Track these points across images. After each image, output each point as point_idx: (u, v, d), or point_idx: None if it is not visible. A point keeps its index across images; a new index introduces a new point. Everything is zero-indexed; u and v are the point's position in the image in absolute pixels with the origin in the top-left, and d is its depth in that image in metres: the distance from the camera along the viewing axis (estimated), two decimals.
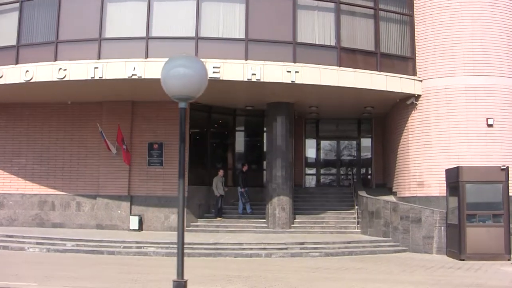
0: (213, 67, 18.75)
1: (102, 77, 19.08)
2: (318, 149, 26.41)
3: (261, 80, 19.02)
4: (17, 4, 20.70)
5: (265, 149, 24.30)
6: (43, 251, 18.62)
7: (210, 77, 17.85)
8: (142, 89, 21.01)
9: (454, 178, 18.23)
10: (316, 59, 19.73)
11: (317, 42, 20.04)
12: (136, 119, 22.98)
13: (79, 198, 23.07)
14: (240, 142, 26.25)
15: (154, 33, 19.42)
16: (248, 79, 18.95)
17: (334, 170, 26.97)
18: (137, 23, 19.67)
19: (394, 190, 22.52)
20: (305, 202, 23.36)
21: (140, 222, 22.40)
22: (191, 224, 22.54)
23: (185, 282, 7.03)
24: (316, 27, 20.11)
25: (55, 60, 19.69)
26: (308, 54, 19.76)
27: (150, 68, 18.88)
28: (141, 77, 18.90)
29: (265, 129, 23.82)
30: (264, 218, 22.73)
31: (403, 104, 21.35)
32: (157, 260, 17.34)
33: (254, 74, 18.94)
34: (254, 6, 19.51)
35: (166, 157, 22.65)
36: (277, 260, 17.61)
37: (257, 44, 19.40)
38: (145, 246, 18.57)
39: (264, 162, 24.40)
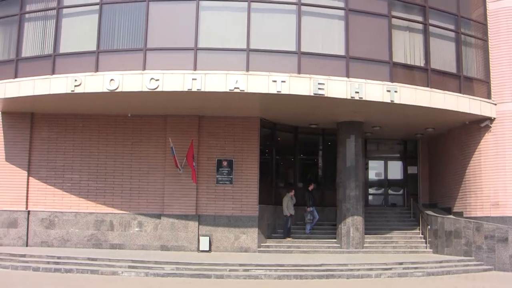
0: (319, 84, 18.38)
1: (200, 89, 18.11)
2: (366, 168, 26.43)
3: (364, 99, 18.82)
4: (97, 7, 19.22)
5: (334, 168, 23.93)
6: (140, 275, 17.21)
7: (315, 94, 18.29)
8: (209, 103, 20.37)
9: None
10: (409, 79, 19.83)
11: (408, 63, 20.15)
12: (203, 134, 21.99)
13: (140, 217, 21.69)
14: (302, 160, 25.85)
15: (253, 46, 18.66)
16: (351, 97, 18.65)
17: (381, 190, 27.06)
18: (235, 33, 18.85)
19: (456, 210, 22.84)
20: (367, 222, 23.18)
21: (209, 242, 21.40)
22: (262, 244, 21.88)
23: None
24: (408, 47, 20.18)
25: (144, 69, 18.52)
26: (403, 74, 19.82)
27: (252, 81, 18.20)
28: (243, 90, 18.14)
29: (337, 148, 23.24)
30: (332, 238, 22.53)
31: (474, 126, 21.82)
32: (277, 284, 16.59)
33: (357, 92, 18.71)
34: (353, 23, 19.30)
35: (236, 175, 21.83)
36: (392, 281, 17.37)
37: (357, 62, 19.15)
38: (252, 269, 17.59)
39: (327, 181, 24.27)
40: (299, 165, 25.74)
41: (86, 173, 21.93)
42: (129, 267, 17.77)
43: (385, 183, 27.21)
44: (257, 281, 16.98)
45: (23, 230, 21.58)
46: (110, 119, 22.11)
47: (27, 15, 20.15)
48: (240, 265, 17.95)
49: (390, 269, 18.52)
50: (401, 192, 27.04)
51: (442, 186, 24.60)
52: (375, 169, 27.41)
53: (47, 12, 19.89)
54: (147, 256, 19.28)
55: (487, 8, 22.05)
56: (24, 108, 21.54)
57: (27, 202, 21.75)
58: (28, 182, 21.83)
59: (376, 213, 24.65)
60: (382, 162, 27.20)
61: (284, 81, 18.23)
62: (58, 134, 22.09)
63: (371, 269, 18.28)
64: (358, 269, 18.17)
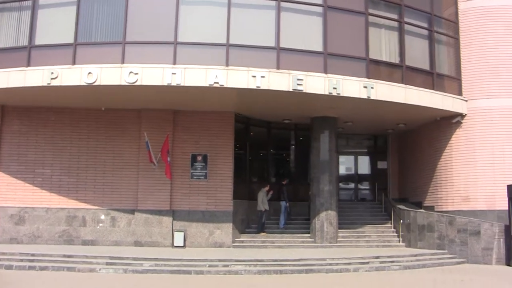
0: (297, 79, 18.47)
1: (180, 84, 17.96)
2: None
3: (341, 95, 18.97)
4: None
5: (306, 164, 24.24)
6: (118, 272, 16.89)
7: (294, 89, 18.37)
8: (184, 98, 20.23)
9: None
10: (385, 76, 20.12)
11: (384, 59, 20.41)
12: (178, 129, 21.79)
13: (114, 212, 21.34)
14: (275, 155, 25.90)
15: (233, 41, 18.59)
16: (329, 92, 18.80)
17: (352, 185, 27.34)
18: (215, 28, 18.72)
19: (427, 205, 23.28)
20: (339, 216, 23.37)
21: (184, 238, 21.25)
22: (236, 239, 21.86)
23: None
24: (384, 44, 20.48)
25: (123, 62, 18.22)
26: (378, 71, 20.09)
27: (232, 77, 18.14)
28: (223, 85, 18.06)
29: (311, 143, 23.36)
30: (306, 233, 22.68)
31: (445, 122, 22.28)
32: (258, 279, 16.56)
33: (335, 88, 18.84)
34: (331, 20, 19.42)
35: (210, 170, 21.73)
36: (370, 275, 17.61)
37: (335, 58, 19.31)
38: (231, 265, 17.50)
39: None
40: (272, 160, 25.86)
41: (58, 167, 21.44)
42: (107, 263, 17.45)
43: (355, 178, 27.54)
44: (237, 277, 16.90)
45: None
46: (83, 113, 21.66)
47: (0, 5, 19.59)
48: (219, 260, 17.87)
49: (368, 263, 18.74)
50: (371, 187, 27.41)
51: (412, 181, 25.05)
52: (345, 164, 27.73)
53: (22, 2, 19.39)
54: (124, 252, 18.96)
55: (458, 7, 22.58)
56: None
57: None
58: None
59: (347, 207, 24.91)
60: (352, 157, 27.53)
61: (263, 77, 18.25)
62: (30, 128, 21.51)
63: (349, 264, 18.46)
64: (337, 264, 18.30)
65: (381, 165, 27.09)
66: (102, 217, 21.39)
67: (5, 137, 21.44)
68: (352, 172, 27.50)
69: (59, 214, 21.24)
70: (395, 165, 26.86)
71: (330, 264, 18.19)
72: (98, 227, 21.31)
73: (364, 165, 27.85)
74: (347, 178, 27.60)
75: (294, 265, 17.94)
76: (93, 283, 15.43)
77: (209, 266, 17.52)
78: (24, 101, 21.03)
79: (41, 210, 21.21)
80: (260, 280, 16.51)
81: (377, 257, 19.28)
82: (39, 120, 21.61)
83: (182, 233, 21.19)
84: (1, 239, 21.02)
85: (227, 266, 17.53)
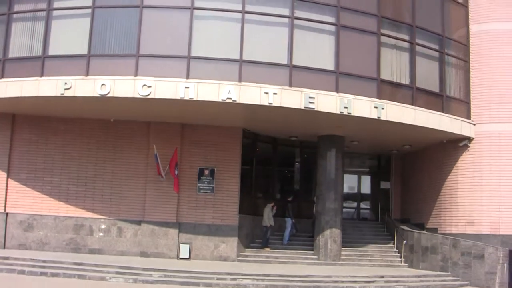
0: (309, 97, 18.62)
1: (193, 98, 18.09)
2: None
3: (352, 114, 19.10)
4: (89, 11, 18.99)
5: (310, 181, 24.46)
6: (128, 281, 17.13)
7: (305, 107, 18.51)
8: (195, 112, 20.32)
9: None
10: (395, 97, 20.25)
11: (395, 80, 20.57)
12: (185, 142, 21.94)
13: (120, 223, 21.47)
14: (280, 172, 26.06)
15: (246, 57, 18.70)
16: (340, 111, 18.93)
17: (355, 204, 27.44)
18: (228, 44, 18.85)
19: (430, 226, 23.34)
20: (343, 234, 23.45)
21: (189, 250, 21.33)
22: (241, 253, 21.99)
23: None
24: (395, 65, 20.62)
25: (136, 75, 18.38)
26: (389, 91, 20.23)
27: (244, 92, 18.28)
28: (235, 101, 18.18)
29: (316, 160, 23.51)
30: (309, 249, 22.80)
31: (452, 145, 22.39)
32: None
33: (346, 108, 18.99)
34: (344, 39, 19.59)
35: (217, 184, 21.85)
36: None
37: (346, 78, 19.45)
38: (239, 278, 17.63)
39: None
40: (277, 177, 26.01)
41: (67, 176, 21.59)
42: (117, 272, 17.63)
43: (358, 197, 27.65)
44: None
45: (1, 232, 21.12)
46: (93, 123, 21.82)
47: (15, 15, 19.78)
48: (227, 273, 18.00)
49: (373, 281, 18.87)
50: (373, 206, 27.50)
51: (415, 202, 25.12)
52: (348, 183, 27.69)
53: (36, 13, 19.60)
54: (132, 262, 19.13)
55: (469, 30, 22.66)
56: (6, 109, 21.05)
57: (5, 204, 21.33)
58: (7, 184, 21.39)
59: (350, 226, 24.97)
60: (355, 177, 27.61)
61: (275, 93, 18.38)
62: (39, 136, 21.69)
63: (354, 281, 18.61)
64: (342, 281, 18.42)
65: (384, 185, 27.18)
66: (103, 226, 21.52)
67: (15, 145, 21.63)
68: (355, 191, 27.60)
69: (66, 222, 21.38)
70: (398, 185, 26.93)
71: (336, 282, 18.31)
72: (97, 236, 21.42)
73: (366, 185, 27.97)
74: (349, 197, 27.66)
75: (301, 281, 18.10)
76: None
77: (218, 279, 17.63)
78: (35, 110, 21.19)
79: (50, 217, 21.37)
80: None
81: (382, 277, 19.38)
82: (49, 129, 21.78)
83: (188, 246, 21.33)
84: (10, 244, 21.22)
85: (235, 279, 17.65)
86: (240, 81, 18.44)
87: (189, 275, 17.67)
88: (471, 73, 22.44)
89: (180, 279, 17.32)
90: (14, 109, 21.19)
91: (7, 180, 21.41)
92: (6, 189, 21.37)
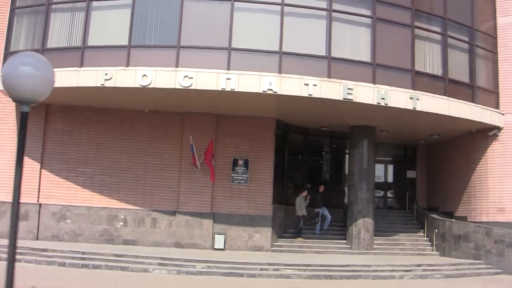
0: (348, 89, 18.76)
1: (234, 89, 18.18)
2: None
3: (388, 105, 19.30)
4: (129, 1, 18.90)
5: (340, 171, 24.61)
6: (172, 273, 17.25)
7: (344, 98, 18.68)
8: (231, 103, 20.39)
9: None
10: (428, 88, 20.43)
11: (428, 71, 20.77)
12: (220, 133, 22.00)
13: (154, 213, 21.54)
14: (311, 162, 26.18)
15: (286, 49, 18.79)
16: (377, 103, 19.09)
17: (381, 193, 27.66)
18: (268, 36, 18.99)
19: (459, 215, 23.63)
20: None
21: (224, 241, 21.48)
22: (274, 244, 22.14)
23: None
24: (428, 57, 20.82)
25: (177, 66, 18.42)
26: (422, 83, 20.41)
27: (285, 84, 18.39)
28: (276, 92, 18.30)
29: (347, 151, 23.91)
30: (341, 239, 23.00)
31: (481, 135, 22.67)
32: (310, 284, 16.89)
33: (383, 99, 19.16)
34: (379, 31, 19.72)
35: (251, 174, 21.96)
36: (416, 282, 18.05)
37: (382, 69, 19.60)
38: (281, 269, 17.84)
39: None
40: (308, 166, 26.17)
41: (100, 167, 21.61)
42: (159, 264, 17.73)
43: (384, 186, 27.89)
44: (289, 280, 17.26)
45: (34, 223, 21.08)
46: (127, 114, 21.85)
47: (53, 6, 19.73)
48: (269, 264, 18.19)
49: (411, 270, 19.10)
50: (399, 195, 27.77)
51: (443, 191, 25.39)
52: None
53: (75, 4, 19.57)
54: (171, 253, 19.20)
55: (497, 22, 22.93)
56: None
57: (38, 195, 21.26)
58: (40, 174, 21.32)
59: (379, 215, 25.13)
60: (382, 166, 27.83)
61: (315, 85, 18.50)
62: (73, 127, 21.67)
63: (393, 270, 18.85)
64: (382, 270, 18.68)
65: (410, 174, 27.46)
66: (137, 217, 21.57)
67: (48, 136, 21.56)
68: (382, 180, 27.79)
69: (100, 213, 21.41)
70: (424, 174, 27.24)
71: (376, 271, 18.56)
72: (118, 226, 21.48)
73: (393, 174, 28.21)
74: (376, 186, 27.90)
75: (342, 270, 18.30)
76: (151, 283, 15.67)
77: (260, 269, 17.80)
78: (70, 101, 21.12)
79: (83, 208, 21.38)
80: (312, 285, 16.85)
81: (419, 265, 19.66)
82: (83, 120, 21.78)
83: (223, 236, 21.41)
84: (43, 236, 21.18)
85: (277, 270, 17.85)
86: (280, 72, 18.53)
87: (231, 265, 17.81)
88: (499, 64, 22.71)
89: (223, 270, 17.44)
90: (50, 99, 21.00)
91: (40, 171, 21.35)
92: (40, 180, 21.30)
